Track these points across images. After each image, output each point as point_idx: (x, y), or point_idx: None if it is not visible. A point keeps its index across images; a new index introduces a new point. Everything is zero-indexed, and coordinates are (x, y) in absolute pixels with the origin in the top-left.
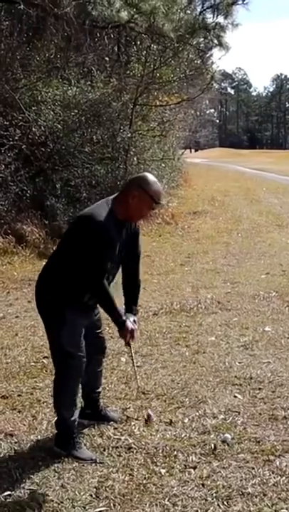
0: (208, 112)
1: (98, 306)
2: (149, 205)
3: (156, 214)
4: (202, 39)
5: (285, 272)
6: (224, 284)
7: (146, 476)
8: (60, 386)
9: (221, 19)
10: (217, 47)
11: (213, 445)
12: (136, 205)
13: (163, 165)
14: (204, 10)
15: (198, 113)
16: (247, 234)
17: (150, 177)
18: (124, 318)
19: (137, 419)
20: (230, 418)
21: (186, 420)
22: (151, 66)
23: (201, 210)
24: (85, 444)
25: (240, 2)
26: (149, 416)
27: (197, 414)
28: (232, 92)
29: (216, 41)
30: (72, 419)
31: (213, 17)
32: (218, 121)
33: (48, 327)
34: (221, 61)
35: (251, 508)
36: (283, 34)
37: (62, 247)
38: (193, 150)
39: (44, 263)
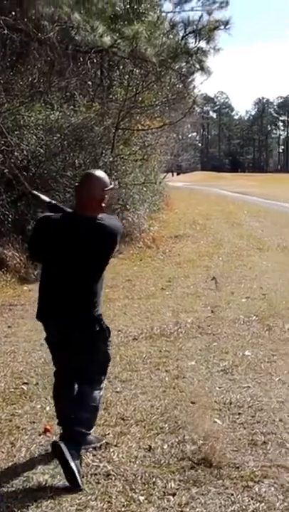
0: (190, 135)
1: None
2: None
3: (138, 238)
4: (184, 64)
5: (265, 295)
6: (204, 308)
7: (125, 503)
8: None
9: (203, 44)
10: (199, 71)
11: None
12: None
13: (144, 189)
14: (186, 35)
15: (180, 137)
16: (228, 257)
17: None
18: None
19: (116, 446)
20: (210, 444)
21: (165, 446)
22: (134, 90)
23: (182, 234)
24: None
25: (222, 27)
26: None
27: (176, 440)
28: (214, 115)
29: (197, 66)
30: None
31: (196, 42)
32: (200, 144)
33: (95, 342)
34: (203, 85)
35: None
36: (264, 57)
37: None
38: (175, 173)
39: (25, 287)
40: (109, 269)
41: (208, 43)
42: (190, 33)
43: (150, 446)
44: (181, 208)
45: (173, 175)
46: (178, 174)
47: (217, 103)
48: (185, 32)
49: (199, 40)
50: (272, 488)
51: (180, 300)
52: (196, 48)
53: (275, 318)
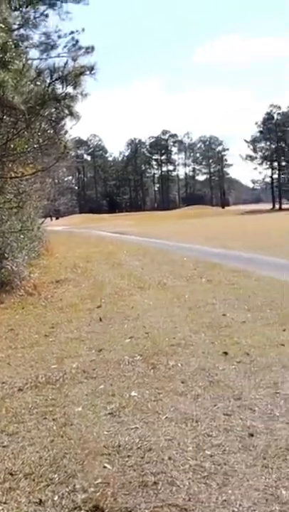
0: (66, 179)
1: None
2: None
3: (18, 286)
4: (53, 110)
5: (148, 334)
6: (89, 351)
7: None
8: None
9: (70, 89)
10: (68, 116)
11: None
12: None
13: (22, 236)
14: (53, 81)
15: (56, 181)
16: (110, 299)
17: None
18: None
19: (5, 503)
20: (101, 490)
21: (56, 498)
22: (4, 138)
23: (63, 279)
24: None
25: (87, 72)
26: None
27: (67, 490)
28: (88, 158)
29: (66, 111)
30: None
31: (63, 88)
32: (76, 187)
33: None
34: (75, 129)
35: None
36: (131, 100)
37: None
38: (54, 218)
39: None
40: None
41: (75, 88)
42: (56, 79)
43: (40, 500)
44: (61, 251)
45: (52, 219)
46: (57, 218)
47: (91, 146)
48: (52, 78)
49: (66, 86)
50: None
51: (64, 345)
52: (63, 94)
53: (159, 356)
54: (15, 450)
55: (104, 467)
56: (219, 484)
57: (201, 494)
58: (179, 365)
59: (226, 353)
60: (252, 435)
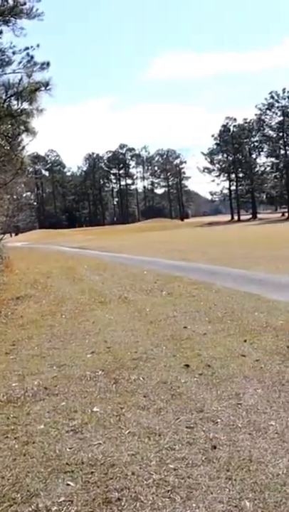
0: (24, 195)
1: None
2: None
3: None
4: (9, 126)
5: (110, 348)
6: (50, 368)
7: None
8: None
9: (26, 105)
10: (25, 132)
11: None
12: None
13: None
14: (9, 97)
15: (14, 197)
16: (71, 314)
17: None
18: None
19: None
20: (64, 508)
21: None
22: None
23: (24, 295)
24: None
25: (42, 88)
26: None
27: (30, 509)
28: (47, 173)
29: (22, 127)
30: None
31: (18, 104)
32: (35, 203)
33: None
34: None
35: None
36: (88, 115)
37: None
38: (13, 234)
39: None
40: None
41: (30, 104)
42: (12, 95)
43: None
44: (21, 268)
45: (11, 235)
46: (16, 234)
47: (48, 161)
48: (7, 94)
49: (22, 102)
50: None
51: (25, 363)
52: (19, 110)
53: (121, 371)
54: None
55: (68, 484)
56: (183, 498)
57: (166, 509)
58: (141, 378)
59: (187, 366)
60: (215, 447)
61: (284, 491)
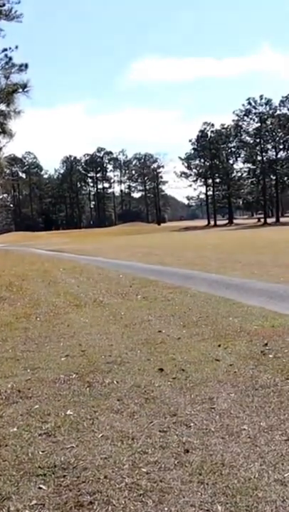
0: (0, 197)
1: None
2: None
3: None
4: None
5: (84, 352)
6: (24, 371)
7: None
8: None
9: (3, 107)
10: (1, 134)
11: None
12: None
13: None
14: None
15: None
16: (46, 317)
17: None
18: None
19: None
20: None
21: None
22: None
23: None
24: None
25: (20, 90)
26: None
27: None
28: (23, 175)
29: None
30: None
31: None
32: (12, 205)
33: None
34: (10, 146)
35: None
36: (65, 118)
37: None
38: None
39: None
40: None
41: (8, 105)
42: None
43: None
44: None
45: None
46: None
47: (26, 163)
48: None
49: None
50: None
51: None
52: None
53: (95, 374)
54: None
55: (40, 488)
56: (155, 502)
57: None
58: (115, 382)
59: (161, 370)
60: (188, 451)
61: (255, 495)
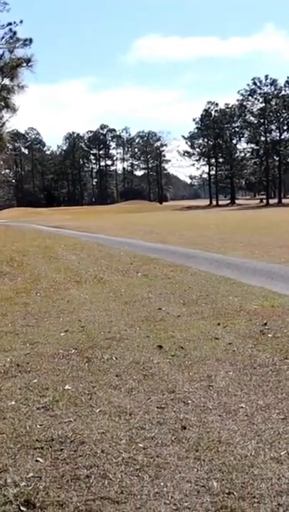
0: (3, 172)
1: None
2: None
3: None
4: None
5: (83, 327)
6: (23, 345)
7: None
8: None
9: (6, 81)
10: (5, 109)
11: None
12: None
13: None
14: None
15: None
16: (46, 293)
17: None
18: None
19: None
20: (33, 484)
21: None
22: None
23: None
24: None
25: (24, 64)
26: None
27: None
28: (26, 151)
29: (3, 103)
30: None
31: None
32: (14, 181)
33: None
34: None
35: None
36: (67, 94)
37: None
38: None
39: None
40: None
41: (11, 80)
42: None
43: None
44: None
45: None
46: None
47: (28, 139)
48: None
49: (3, 78)
50: None
51: None
52: (0, 86)
53: (94, 350)
54: None
55: (37, 461)
56: (151, 477)
57: (134, 487)
58: (114, 358)
59: (160, 347)
60: (185, 428)
61: (251, 472)
